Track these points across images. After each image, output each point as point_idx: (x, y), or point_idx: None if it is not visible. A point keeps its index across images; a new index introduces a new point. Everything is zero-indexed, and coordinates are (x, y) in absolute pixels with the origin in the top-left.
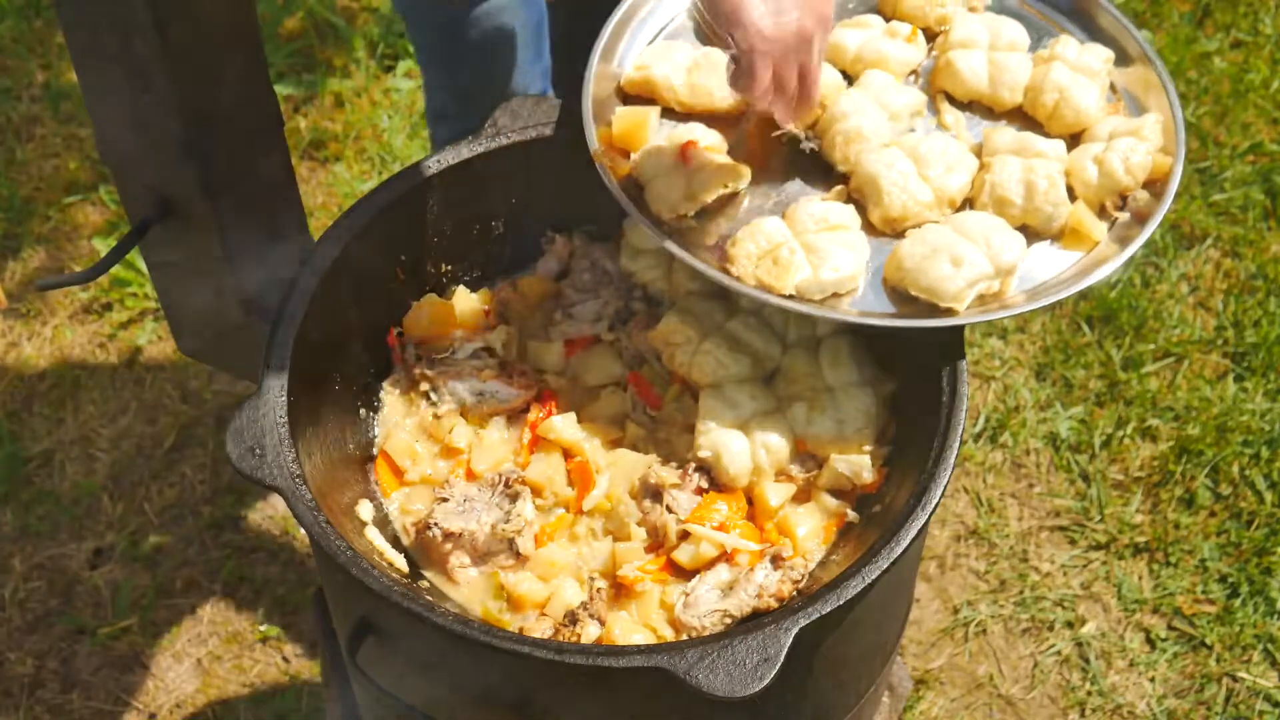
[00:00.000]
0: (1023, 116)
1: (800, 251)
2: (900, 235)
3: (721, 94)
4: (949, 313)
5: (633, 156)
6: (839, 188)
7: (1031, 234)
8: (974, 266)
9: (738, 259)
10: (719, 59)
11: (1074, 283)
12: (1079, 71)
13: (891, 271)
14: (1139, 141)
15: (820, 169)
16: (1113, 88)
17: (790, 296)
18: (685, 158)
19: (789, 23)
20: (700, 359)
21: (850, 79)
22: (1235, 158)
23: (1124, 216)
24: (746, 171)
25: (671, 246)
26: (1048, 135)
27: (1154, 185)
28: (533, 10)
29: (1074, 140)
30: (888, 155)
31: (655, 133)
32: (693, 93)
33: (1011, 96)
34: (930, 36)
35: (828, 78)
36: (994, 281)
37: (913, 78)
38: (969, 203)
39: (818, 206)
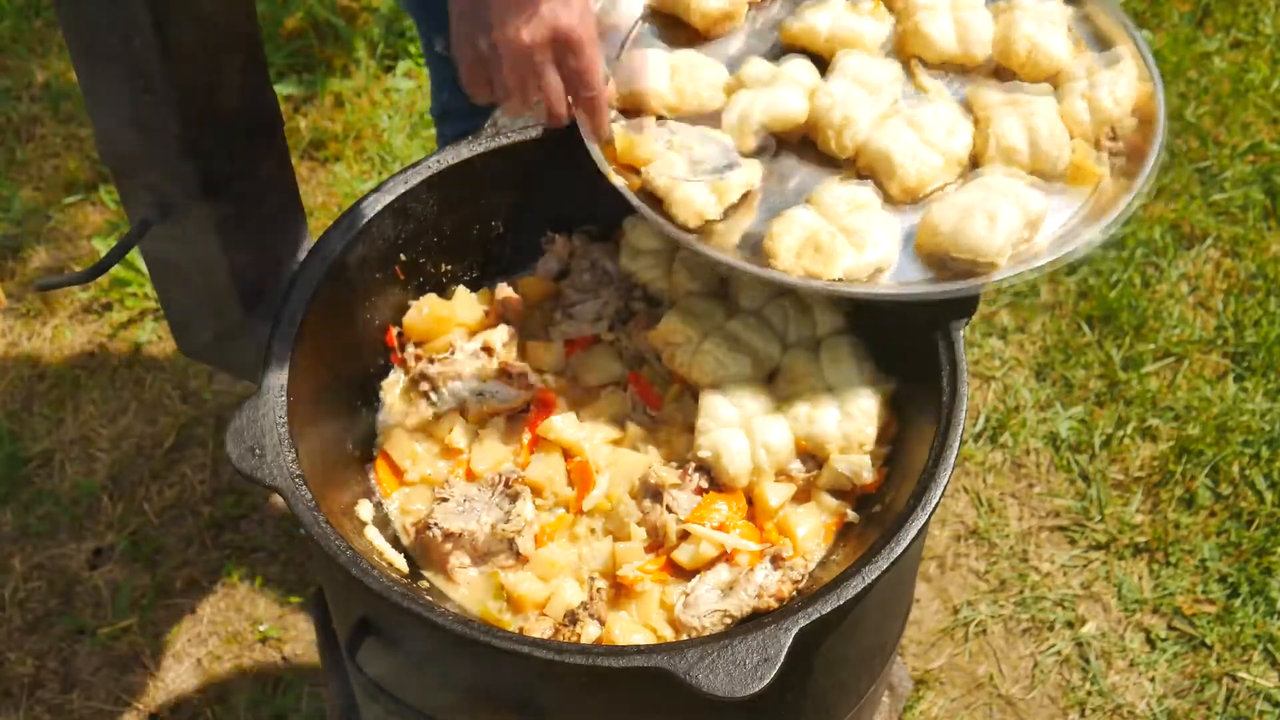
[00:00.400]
0: (994, 70)
1: (840, 236)
2: (916, 203)
3: (709, 95)
4: (990, 268)
5: (645, 170)
6: (849, 168)
7: (1040, 181)
8: (1009, 220)
9: (779, 253)
10: (696, 60)
11: (1091, 224)
12: (1041, 18)
13: (926, 238)
14: (1118, 74)
15: (819, 156)
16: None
17: (837, 280)
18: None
19: (490, 38)
20: (700, 359)
21: (826, 60)
22: (1235, 157)
23: (1118, 147)
24: (759, 166)
25: (718, 254)
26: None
27: (1139, 112)
28: None
29: (1049, 85)
30: (891, 129)
31: (655, 143)
32: (680, 97)
33: (982, 52)
34: (888, 7)
35: (800, 78)
36: (1025, 232)
37: (881, 50)
38: (974, 160)
39: (842, 189)
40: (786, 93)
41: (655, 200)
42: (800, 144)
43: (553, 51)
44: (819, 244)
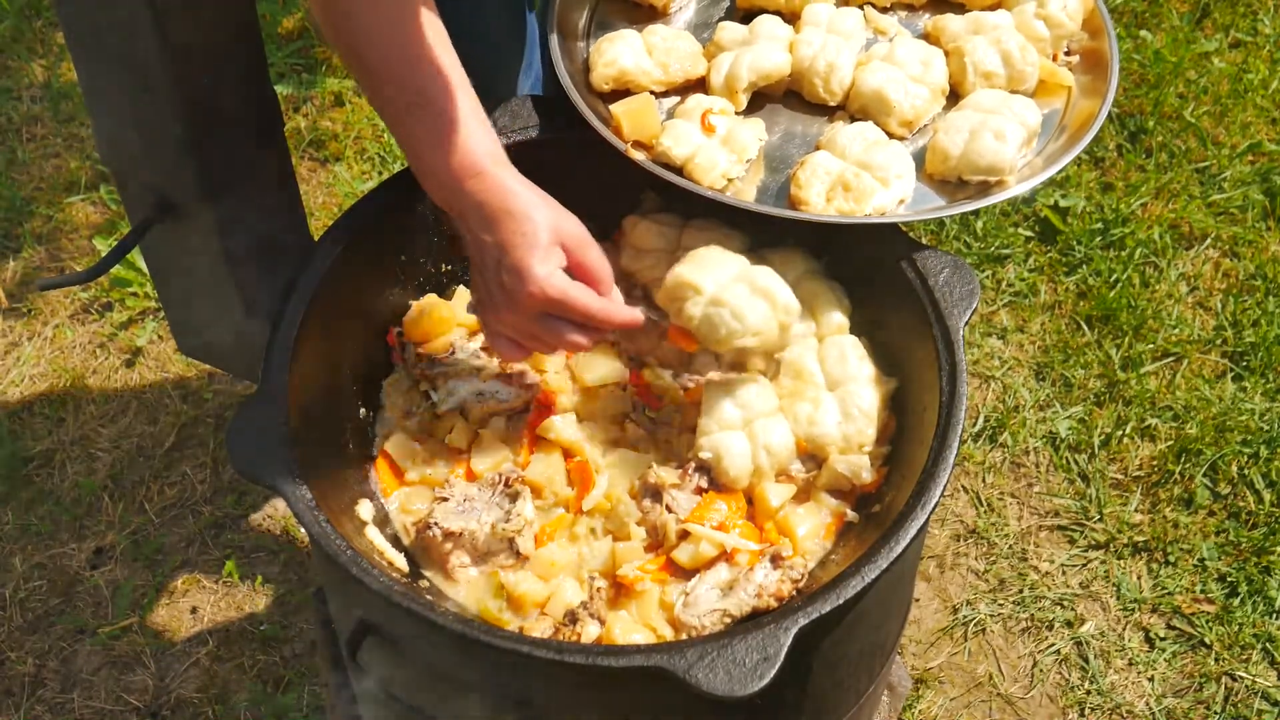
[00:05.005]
0: (938, 3)
1: (865, 174)
2: (911, 136)
3: (691, 63)
4: (1000, 185)
5: (657, 144)
6: (839, 112)
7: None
8: (1015, 134)
9: (810, 199)
10: (667, 33)
11: (1083, 134)
12: None
13: (937, 165)
14: None
15: (807, 105)
16: None
17: (868, 215)
18: (708, 127)
19: (493, 322)
20: (712, 312)
21: (784, 16)
22: (1234, 158)
23: (1074, 60)
24: (760, 123)
25: (757, 207)
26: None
27: (1086, 25)
28: (515, 18)
29: (993, 9)
30: (876, 70)
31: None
32: (665, 70)
33: None
34: None
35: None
36: (1025, 145)
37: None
38: (954, 87)
39: (853, 128)
40: (768, 48)
41: (673, 171)
42: (784, 96)
43: (546, 312)
44: (847, 184)
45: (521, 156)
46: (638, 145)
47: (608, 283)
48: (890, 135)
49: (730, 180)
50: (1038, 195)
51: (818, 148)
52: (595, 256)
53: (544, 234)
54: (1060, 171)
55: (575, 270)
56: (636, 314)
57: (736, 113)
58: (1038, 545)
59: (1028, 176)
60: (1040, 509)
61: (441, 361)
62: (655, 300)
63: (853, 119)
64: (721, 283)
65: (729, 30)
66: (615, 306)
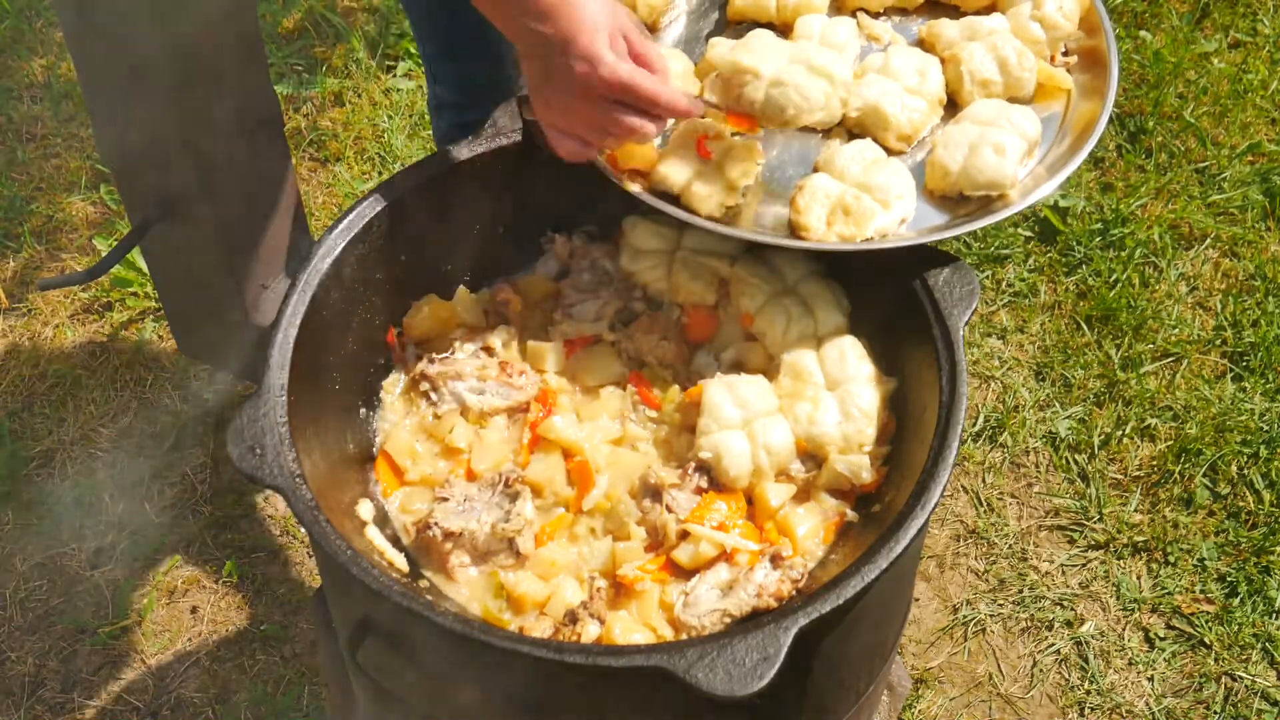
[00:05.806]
0: (933, 7)
1: (865, 196)
2: (910, 150)
3: (684, 84)
4: (1002, 200)
5: (653, 172)
6: (836, 128)
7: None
8: (1014, 147)
9: (810, 225)
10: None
11: (1085, 139)
12: None
13: (937, 181)
14: None
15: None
16: None
17: (869, 239)
18: (704, 152)
19: (558, 119)
20: (775, 93)
21: (776, 27)
22: (1234, 158)
23: (1072, 61)
24: (758, 145)
25: (754, 236)
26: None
27: (1083, 24)
28: None
29: (988, 12)
30: (871, 83)
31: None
32: None
33: None
34: None
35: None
36: (1026, 156)
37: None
38: (952, 96)
39: (851, 148)
40: None
41: (668, 198)
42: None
43: (615, 99)
44: (846, 207)
45: (521, 156)
46: (634, 174)
47: (666, 72)
48: (889, 150)
49: (729, 206)
50: None
51: (816, 168)
52: (652, 47)
53: (608, 21)
54: (1056, 190)
55: (635, 59)
56: (697, 102)
57: (733, 134)
58: (1037, 545)
59: (1030, 188)
60: (1040, 509)
61: (441, 361)
62: (706, 101)
63: (850, 134)
64: (778, 65)
65: (720, 47)
66: (678, 93)
